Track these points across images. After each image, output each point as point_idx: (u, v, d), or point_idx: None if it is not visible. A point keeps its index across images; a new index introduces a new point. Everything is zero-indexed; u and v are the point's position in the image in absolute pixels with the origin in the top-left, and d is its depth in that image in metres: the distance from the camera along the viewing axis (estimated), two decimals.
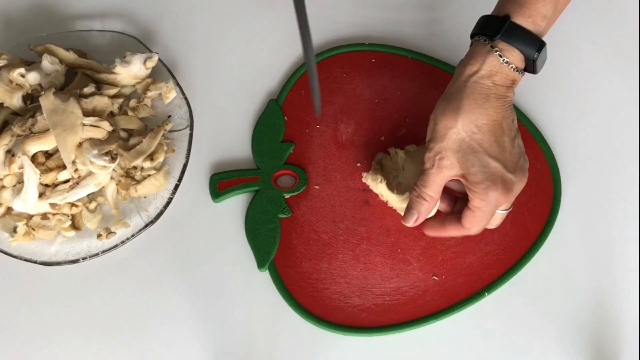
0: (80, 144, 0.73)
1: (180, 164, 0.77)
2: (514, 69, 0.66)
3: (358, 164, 0.78)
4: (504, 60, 0.66)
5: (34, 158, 0.72)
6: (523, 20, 0.66)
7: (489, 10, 0.83)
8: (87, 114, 0.74)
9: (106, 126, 0.73)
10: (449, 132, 0.66)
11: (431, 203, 0.69)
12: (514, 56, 0.66)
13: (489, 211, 0.67)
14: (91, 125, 0.73)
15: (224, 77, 0.84)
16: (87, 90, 0.75)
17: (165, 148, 0.77)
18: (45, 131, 0.72)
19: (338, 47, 0.85)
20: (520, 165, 0.67)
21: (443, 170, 0.67)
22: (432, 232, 0.72)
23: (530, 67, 0.68)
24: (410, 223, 0.70)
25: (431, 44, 0.85)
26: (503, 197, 0.66)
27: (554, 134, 0.80)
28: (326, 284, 0.73)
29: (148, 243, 0.75)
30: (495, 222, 0.70)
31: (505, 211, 0.69)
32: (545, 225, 0.75)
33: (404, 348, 0.71)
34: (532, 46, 0.66)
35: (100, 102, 0.75)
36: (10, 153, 0.71)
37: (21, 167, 0.71)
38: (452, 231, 0.70)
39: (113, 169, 0.74)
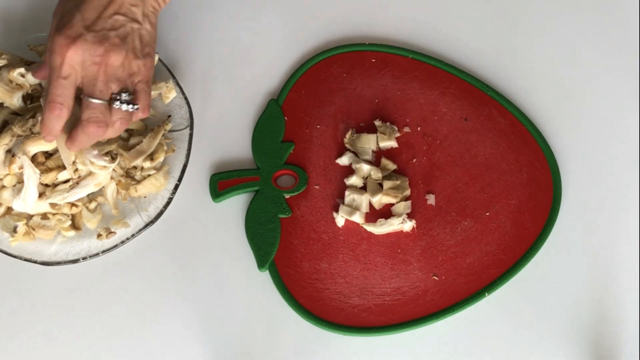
0: None
1: (180, 164, 0.77)
2: None
3: None
4: None
5: (33, 158, 0.72)
6: None
7: (488, 10, 0.83)
8: None
9: None
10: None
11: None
12: None
13: (51, 63, 0.65)
14: None
15: (224, 77, 0.84)
16: None
17: (165, 148, 0.77)
18: None
19: (338, 47, 0.85)
20: (102, 33, 0.65)
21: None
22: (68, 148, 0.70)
23: None
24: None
25: (431, 44, 0.85)
26: (58, 36, 0.64)
27: (554, 134, 0.80)
28: (326, 284, 0.73)
29: (148, 243, 0.75)
30: (85, 115, 0.66)
31: (98, 101, 0.66)
32: (545, 225, 0.75)
33: (404, 348, 0.70)
34: None
35: None
36: (10, 153, 0.71)
37: (21, 167, 0.70)
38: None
39: (113, 169, 0.74)
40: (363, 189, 0.76)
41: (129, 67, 0.67)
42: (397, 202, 0.75)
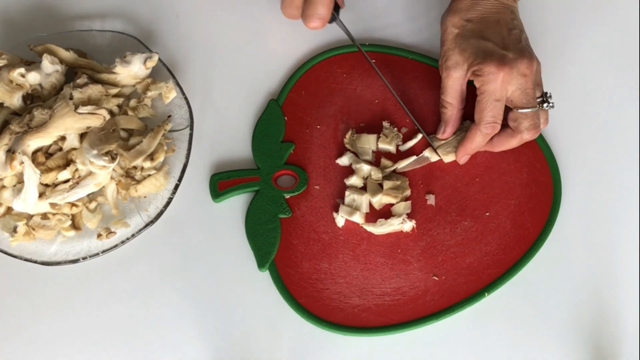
0: (81, 139, 0.73)
1: (180, 164, 0.77)
2: None
3: None
4: None
5: (33, 158, 0.72)
6: None
7: None
8: (82, 103, 0.74)
9: (103, 112, 0.73)
10: (445, 35, 0.73)
11: (452, 109, 0.75)
12: None
13: (490, 91, 0.70)
14: (89, 114, 0.73)
15: (224, 77, 0.84)
16: (81, 81, 0.75)
17: (165, 148, 0.77)
18: (42, 125, 0.71)
19: (338, 48, 0.85)
20: (519, 47, 0.71)
21: (450, 72, 0.73)
22: (461, 151, 0.76)
23: None
24: (442, 134, 0.77)
25: (431, 44, 0.85)
26: (497, 69, 0.69)
27: (554, 134, 0.80)
28: (326, 284, 0.73)
29: (148, 243, 0.75)
30: (523, 124, 0.72)
31: (527, 110, 0.71)
32: (545, 225, 0.75)
33: (404, 348, 0.71)
34: None
35: (95, 90, 0.75)
36: (10, 152, 0.71)
37: (22, 163, 0.70)
38: (472, 139, 0.74)
39: (113, 169, 0.74)
40: (363, 189, 0.76)
41: (537, 70, 0.72)
42: (397, 202, 0.75)
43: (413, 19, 0.88)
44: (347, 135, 0.79)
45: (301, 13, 0.76)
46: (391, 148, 0.78)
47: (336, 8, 0.78)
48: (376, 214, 0.75)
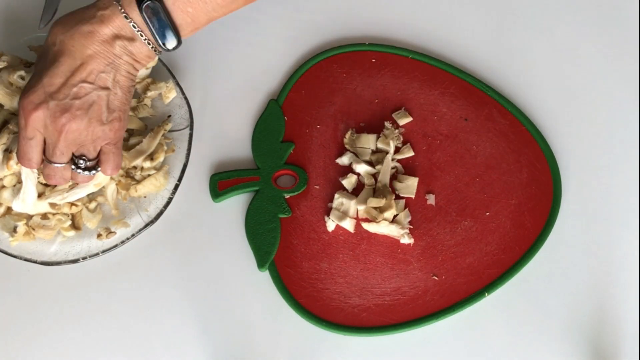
0: None
1: (180, 164, 0.77)
2: None
3: None
4: None
5: None
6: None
7: (488, 10, 0.83)
8: None
9: None
10: None
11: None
12: None
13: (20, 121, 0.66)
14: None
15: (224, 77, 0.84)
16: None
17: (165, 148, 0.77)
18: None
19: (338, 47, 0.85)
20: (65, 103, 0.66)
21: None
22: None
23: None
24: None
25: (431, 44, 0.85)
26: (23, 99, 0.66)
27: (554, 134, 0.80)
28: (326, 284, 0.73)
29: (148, 243, 0.75)
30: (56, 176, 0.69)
31: (57, 165, 0.68)
32: (545, 225, 0.75)
33: (404, 348, 0.70)
34: None
35: None
36: (7, 151, 0.71)
37: (19, 163, 0.70)
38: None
39: None
40: (355, 193, 0.76)
41: (92, 133, 0.67)
42: (379, 222, 0.73)
43: (413, 18, 0.88)
44: (347, 135, 0.79)
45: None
46: (390, 149, 0.78)
47: None
48: (365, 220, 0.75)
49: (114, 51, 0.66)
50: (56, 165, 0.68)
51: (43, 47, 0.68)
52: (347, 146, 0.79)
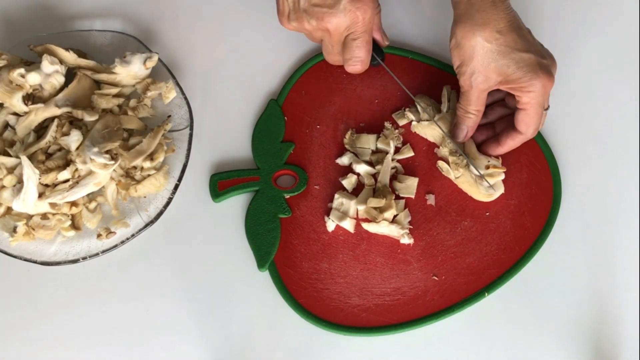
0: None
1: (180, 164, 0.77)
2: None
3: None
4: None
5: (33, 157, 0.72)
6: None
7: None
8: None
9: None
10: (475, 50, 0.70)
11: (478, 116, 0.74)
12: None
13: (540, 103, 0.71)
14: None
15: (224, 77, 0.84)
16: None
17: (165, 148, 0.77)
18: None
19: None
20: (546, 50, 0.72)
21: (479, 86, 0.71)
22: (493, 152, 0.76)
23: None
24: (461, 137, 0.75)
25: (431, 44, 0.85)
26: (547, 81, 0.70)
27: (554, 134, 0.80)
28: (326, 284, 0.73)
29: (148, 243, 0.75)
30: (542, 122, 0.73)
31: (546, 110, 0.73)
32: (545, 225, 0.75)
33: (404, 348, 0.71)
34: None
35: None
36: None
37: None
38: (509, 143, 0.74)
39: (113, 169, 0.74)
40: (355, 193, 0.76)
41: None
42: (379, 222, 0.73)
43: (414, 18, 0.88)
44: (347, 135, 0.79)
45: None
46: (389, 149, 0.78)
47: (379, 50, 0.78)
48: (365, 220, 0.75)
49: None
50: None
51: None
52: (347, 146, 0.79)
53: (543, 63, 0.70)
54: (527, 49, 0.70)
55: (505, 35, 0.69)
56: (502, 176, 0.75)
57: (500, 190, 0.75)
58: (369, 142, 0.78)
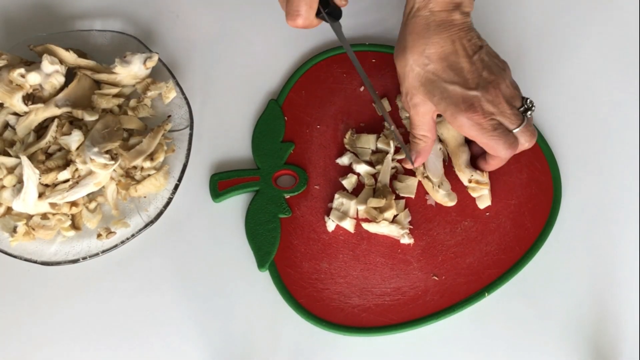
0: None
1: (180, 164, 0.77)
2: None
3: None
4: None
5: (33, 157, 0.72)
6: None
7: (486, 11, 0.83)
8: None
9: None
10: (405, 71, 0.69)
11: (425, 141, 0.72)
12: None
13: (479, 131, 0.67)
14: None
15: (224, 77, 0.84)
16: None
17: (165, 148, 0.77)
18: None
19: (338, 47, 0.85)
20: (483, 79, 0.67)
21: (418, 108, 0.70)
22: (483, 168, 0.75)
23: None
24: (413, 163, 0.74)
25: None
26: (472, 113, 0.67)
27: (554, 134, 0.80)
28: (326, 284, 0.73)
29: (148, 243, 0.75)
30: (521, 140, 0.70)
31: (517, 128, 0.69)
32: (545, 225, 0.75)
33: (404, 348, 0.71)
34: None
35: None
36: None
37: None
38: (491, 163, 0.73)
39: (113, 169, 0.74)
40: (355, 193, 0.76)
41: (507, 84, 0.71)
42: (379, 222, 0.73)
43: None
44: (347, 135, 0.79)
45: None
46: (389, 149, 0.78)
47: (335, 13, 0.71)
48: (365, 220, 0.75)
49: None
50: None
51: None
52: (347, 146, 0.79)
53: (467, 96, 0.67)
54: (453, 81, 0.67)
55: (434, 63, 0.67)
56: (485, 191, 0.74)
57: (454, 200, 0.75)
58: (369, 142, 0.78)
